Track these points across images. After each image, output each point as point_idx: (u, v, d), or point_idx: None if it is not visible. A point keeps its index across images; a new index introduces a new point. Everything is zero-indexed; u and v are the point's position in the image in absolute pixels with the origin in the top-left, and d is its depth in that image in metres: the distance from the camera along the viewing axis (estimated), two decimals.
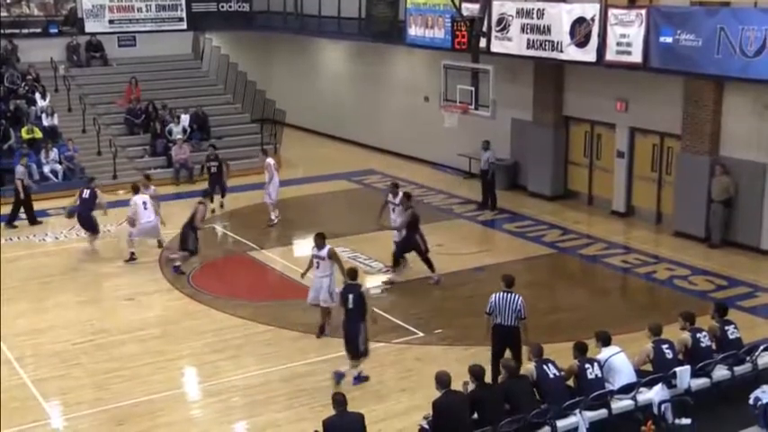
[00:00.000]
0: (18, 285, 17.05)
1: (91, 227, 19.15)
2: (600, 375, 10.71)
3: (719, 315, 11.94)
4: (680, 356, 11.33)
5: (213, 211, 21.91)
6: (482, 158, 22.28)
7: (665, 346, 11.16)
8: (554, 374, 10.52)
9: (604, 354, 10.98)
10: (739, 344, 11.72)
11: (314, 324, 14.86)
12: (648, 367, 11.15)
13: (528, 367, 10.62)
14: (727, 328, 11.73)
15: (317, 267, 14.28)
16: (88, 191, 19.23)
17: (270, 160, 21.57)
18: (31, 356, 13.96)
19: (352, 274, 12.97)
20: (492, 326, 12.21)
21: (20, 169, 21.27)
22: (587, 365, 10.69)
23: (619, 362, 10.90)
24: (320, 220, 21.17)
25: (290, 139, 28.97)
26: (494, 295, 12.21)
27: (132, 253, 18.39)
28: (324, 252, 14.19)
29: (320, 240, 14.27)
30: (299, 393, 12.58)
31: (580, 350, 10.94)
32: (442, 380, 9.93)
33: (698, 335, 11.47)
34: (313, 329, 14.66)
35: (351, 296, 12.55)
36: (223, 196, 22.63)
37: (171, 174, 25.23)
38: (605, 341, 11.11)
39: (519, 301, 12.10)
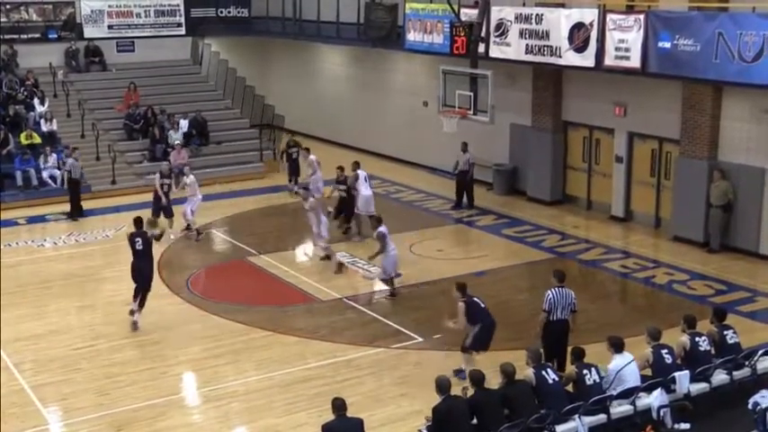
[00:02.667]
0: (18, 291, 17.04)
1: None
2: (598, 381, 10.70)
3: (718, 320, 11.94)
4: (678, 360, 11.33)
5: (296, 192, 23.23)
6: (461, 160, 22.55)
7: (664, 351, 11.14)
8: (553, 380, 10.52)
9: (616, 363, 10.86)
10: (738, 348, 11.71)
11: (311, 328, 15.08)
12: (648, 372, 11.15)
13: (527, 373, 10.62)
14: (725, 332, 11.73)
15: None
16: None
17: (312, 156, 22.19)
18: (30, 362, 13.95)
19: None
20: (545, 323, 12.45)
21: (70, 161, 22.42)
22: (585, 371, 10.69)
23: (629, 373, 10.81)
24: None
25: None
26: (550, 292, 12.40)
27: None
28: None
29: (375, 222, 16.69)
30: (298, 399, 12.58)
31: (577, 356, 10.96)
32: (443, 385, 9.91)
33: (697, 339, 11.43)
34: (311, 334, 14.86)
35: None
36: (296, 183, 23.83)
37: None
38: (617, 347, 11.00)
39: (573, 295, 12.51)
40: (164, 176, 20.45)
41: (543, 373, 10.51)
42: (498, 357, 12.16)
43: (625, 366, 10.83)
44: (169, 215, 20.18)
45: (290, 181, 24.40)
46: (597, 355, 11.91)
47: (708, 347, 11.51)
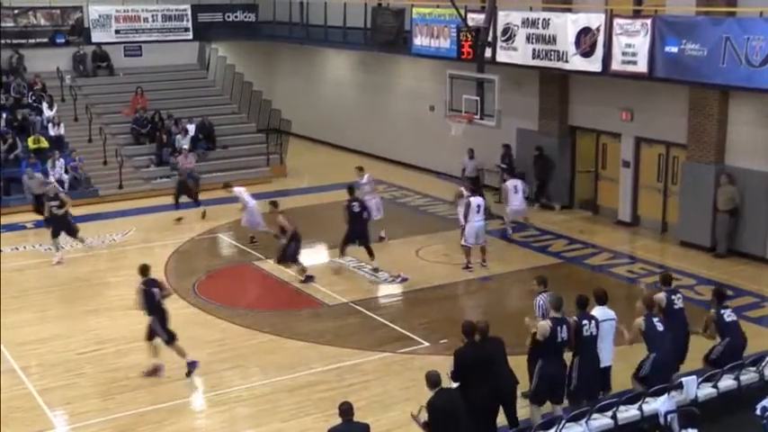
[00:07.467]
0: (23, 295, 17.08)
1: None
2: (594, 334, 11.18)
3: (718, 301, 12.10)
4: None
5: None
6: (469, 166, 22.74)
7: (655, 320, 11.47)
8: (561, 338, 11.10)
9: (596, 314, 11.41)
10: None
11: (317, 332, 15.04)
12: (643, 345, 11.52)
13: (542, 323, 11.17)
14: (723, 312, 11.83)
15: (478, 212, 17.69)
16: None
17: (367, 175, 20.67)
18: (36, 366, 13.97)
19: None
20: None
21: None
22: (585, 321, 11.13)
23: (605, 329, 11.38)
24: (325, 230, 21.16)
25: (295, 149, 29.01)
26: (539, 298, 12.31)
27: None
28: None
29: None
30: (304, 403, 12.57)
31: (580, 305, 11.31)
32: (433, 379, 9.87)
33: (672, 296, 12.06)
34: (317, 338, 14.82)
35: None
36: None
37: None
38: (599, 299, 11.57)
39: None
40: (50, 199, 19.25)
41: (558, 328, 11.01)
42: None
43: (605, 321, 11.36)
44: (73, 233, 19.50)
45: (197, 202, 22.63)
46: None
47: (682, 305, 12.15)
